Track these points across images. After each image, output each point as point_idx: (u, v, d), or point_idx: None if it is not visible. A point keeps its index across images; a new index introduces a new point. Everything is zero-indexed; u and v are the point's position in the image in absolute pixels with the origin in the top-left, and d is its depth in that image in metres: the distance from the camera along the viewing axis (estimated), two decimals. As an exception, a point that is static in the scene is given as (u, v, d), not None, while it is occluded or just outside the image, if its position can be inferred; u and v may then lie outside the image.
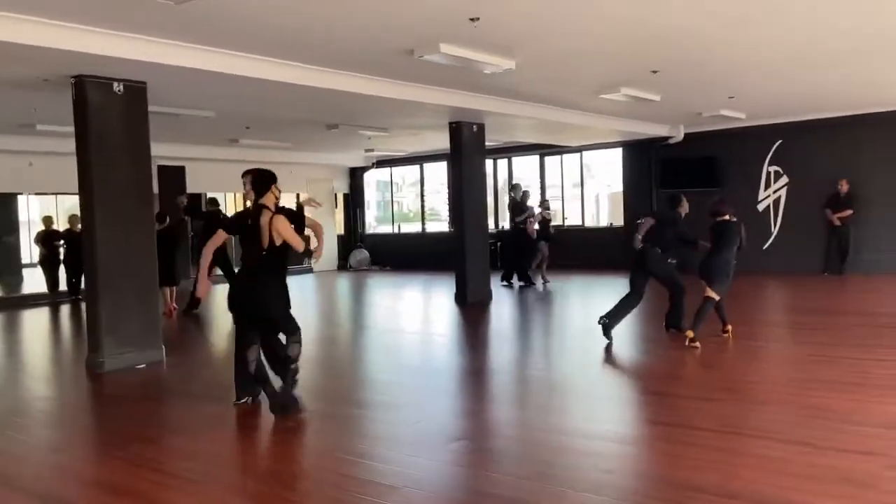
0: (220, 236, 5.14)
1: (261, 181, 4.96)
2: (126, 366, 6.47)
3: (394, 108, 9.94)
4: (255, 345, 4.94)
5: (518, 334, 8.63)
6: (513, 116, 10.82)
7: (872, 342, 6.69)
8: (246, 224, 4.93)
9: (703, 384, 5.68)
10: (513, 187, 13.24)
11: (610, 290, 7.16)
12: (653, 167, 14.62)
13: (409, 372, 6.45)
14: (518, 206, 12.65)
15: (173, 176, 14.91)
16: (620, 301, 7.06)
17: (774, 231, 13.42)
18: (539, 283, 12.52)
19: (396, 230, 18.76)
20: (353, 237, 18.64)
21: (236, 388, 5.13)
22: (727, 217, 6.92)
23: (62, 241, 12.96)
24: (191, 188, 15.27)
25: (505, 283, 12.61)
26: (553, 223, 13.75)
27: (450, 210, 11.18)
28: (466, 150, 10.82)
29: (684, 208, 7.44)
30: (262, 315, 4.90)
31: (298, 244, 4.91)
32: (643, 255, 7.08)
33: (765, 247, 13.45)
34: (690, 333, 6.52)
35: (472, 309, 10.20)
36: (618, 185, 15.68)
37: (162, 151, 14.09)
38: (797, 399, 4.87)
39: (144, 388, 6.04)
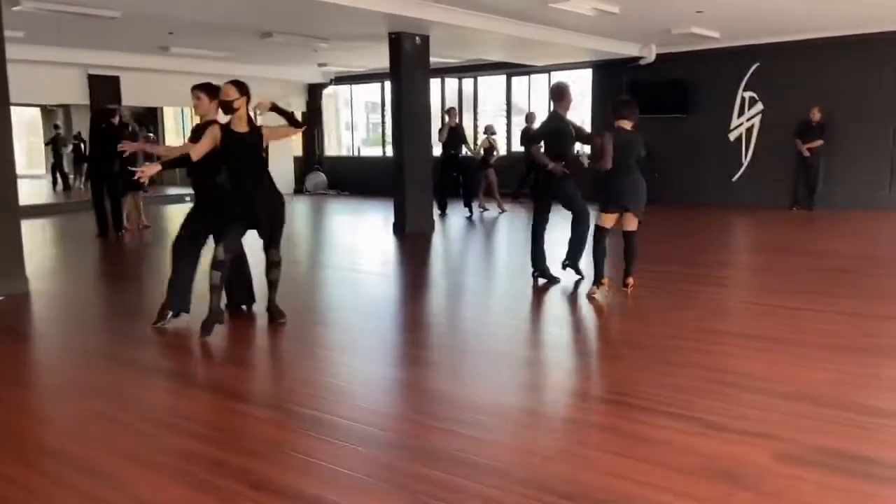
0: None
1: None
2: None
3: (326, 14, 8.93)
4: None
5: (442, 272, 7.91)
6: (462, 28, 9.82)
7: (817, 289, 6.01)
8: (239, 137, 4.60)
9: (606, 338, 5.03)
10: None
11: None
12: (623, 90, 13.62)
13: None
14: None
15: (107, 86, 13.85)
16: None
17: (745, 162, 12.60)
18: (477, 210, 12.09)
19: (356, 153, 17.78)
20: (311, 160, 17.69)
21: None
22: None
23: None
24: (126, 100, 14.22)
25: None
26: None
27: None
28: (407, 65, 9.83)
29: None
30: (280, 222, 4.86)
31: None
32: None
33: (734, 179, 12.68)
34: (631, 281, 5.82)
35: (409, 240, 9.46)
36: (587, 109, 14.70)
37: (92, 59, 13.12)
38: (708, 359, 4.19)
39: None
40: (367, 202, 14.54)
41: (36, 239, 9.72)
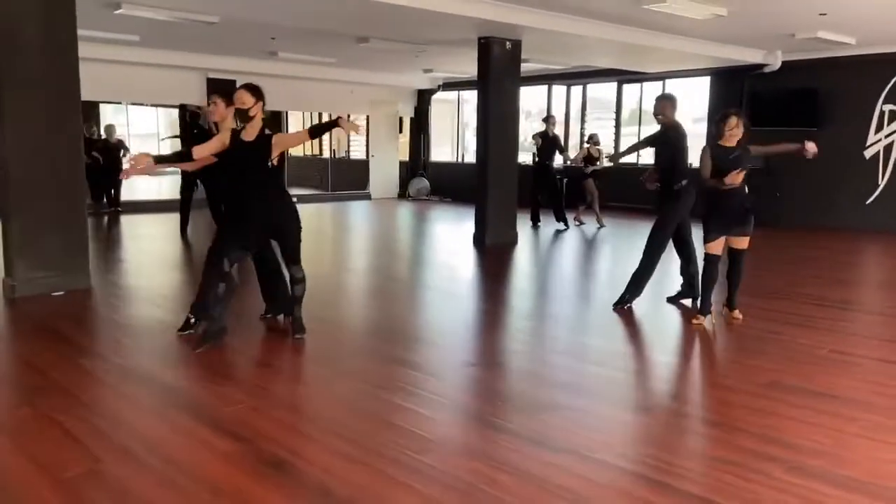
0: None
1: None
2: (40, 292, 5.93)
3: (416, 20, 8.72)
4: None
5: (518, 291, 7.42)
6: (556, 33, 9.30)
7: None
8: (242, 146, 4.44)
9: (643, 384, 4.41)
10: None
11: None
12: (744, 100, 12.51)
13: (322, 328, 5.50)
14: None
15: (224, 89, 14.37)
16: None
17: (882, 183, 11.17)
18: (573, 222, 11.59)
19: (460, 160, 17.56)
20: (416, 165, 17.65)
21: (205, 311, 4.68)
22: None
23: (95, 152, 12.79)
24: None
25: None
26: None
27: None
28: (496, 71, 9.43)
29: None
30: (291, 237, 4.62)
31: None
32: None
33: (868, 201, 11.29)
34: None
35: (488, 253, 9.05)
36: (703, 120, 13.64)
37: (211, 63, 13.72)
38: (760, 422, 3.50)
39: (38, 319, 5.44)
40: (466, 209, 14.24)
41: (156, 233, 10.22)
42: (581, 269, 8.64)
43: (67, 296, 5.98)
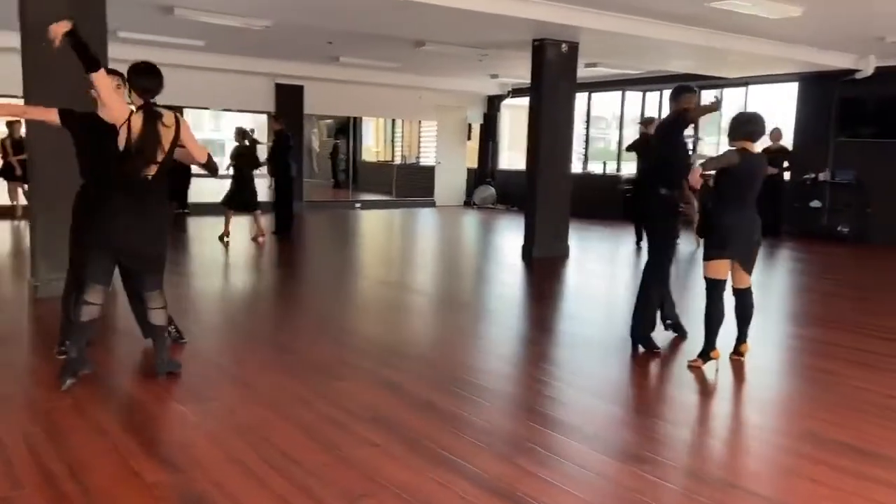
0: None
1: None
2: (60, 294, 5.91)
3: (468, 22, 8.40)
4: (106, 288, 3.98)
5: (561, 314, 6.93)
6: (617, 35, 8.76)
7: None
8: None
9: (629, 439, 3.85)
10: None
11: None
12: (834, 107, 11.50)
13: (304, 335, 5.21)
14: None
15: (292, 94, 14.55)
16: None
17: None
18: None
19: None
20: (483, 173, 17.29)
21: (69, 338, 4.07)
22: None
23: None
24: (308, 109, 14.87)
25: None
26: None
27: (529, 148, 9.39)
28: (550, 75, 8.96)
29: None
30: (159, 254, 3.99)
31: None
32: None
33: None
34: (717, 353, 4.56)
35: (535, 267, 8.59)
36: (787, 130, 12.65)
37: (278, 69, 13.83)
38: (778, 485, 2.96)
39: (42, 321, 5.39)
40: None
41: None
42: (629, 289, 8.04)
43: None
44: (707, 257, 4.49)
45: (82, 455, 3.05)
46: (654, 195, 4.88)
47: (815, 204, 11.49)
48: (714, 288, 4.50)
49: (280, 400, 3.82)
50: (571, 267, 8.82)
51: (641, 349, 4.87)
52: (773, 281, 8.14)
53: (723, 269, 4.47)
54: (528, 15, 8.00)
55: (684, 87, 4.93)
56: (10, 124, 11.80)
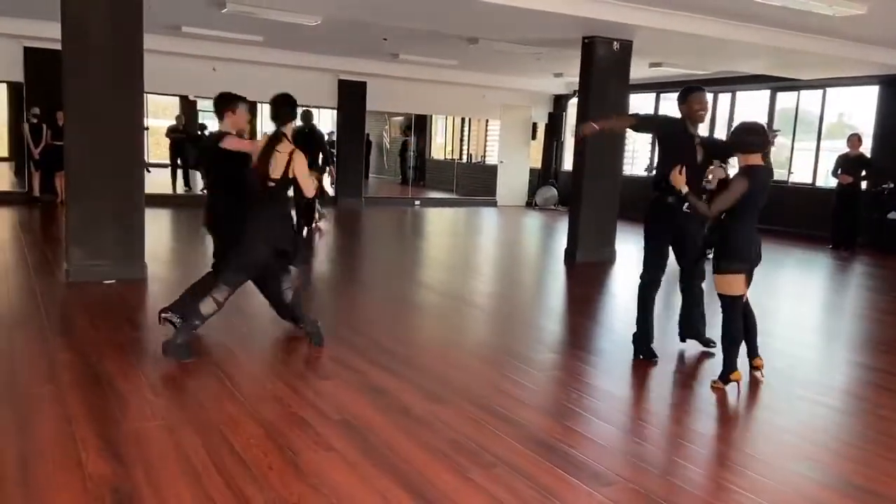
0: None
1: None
2: (92, 279, 6.12)
3: (517, 18, 8.20)
4: None
5: (600, 327, 6.64)
6: (673, 33, 8.35)
7: None
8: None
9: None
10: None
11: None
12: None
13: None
14: None
15: (355, 90, 14.66)
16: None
17: None
18: None
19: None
20: (547, 174, 16.95)
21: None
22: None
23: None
24: (370, 105, 14.96)
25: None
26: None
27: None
28: (600, 74, 8.63)
29: None
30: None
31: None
32: None
33: None
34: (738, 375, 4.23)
35: (577, 272, 8.30)
36: (869, 132, 11.78)
37: (341, 65, 13.97)
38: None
39: (66, 305, 5.57)
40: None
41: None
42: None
43: (116, 285, 6.11)
44: (722, 271, 4.16)
45: (42, 444, 3.09)
46: (658, 202, 4.59)
47: (894, 216, 10.65)
48: (733, 304, 4.18)
49: (255, 396, 3.77)
50: (615, 273, 8.46)
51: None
52: (843, 300, 7.61)
53: (740, 283, 4.16)
54: (576, 12, 7.73)
55: (692, 87, 4.61)
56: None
